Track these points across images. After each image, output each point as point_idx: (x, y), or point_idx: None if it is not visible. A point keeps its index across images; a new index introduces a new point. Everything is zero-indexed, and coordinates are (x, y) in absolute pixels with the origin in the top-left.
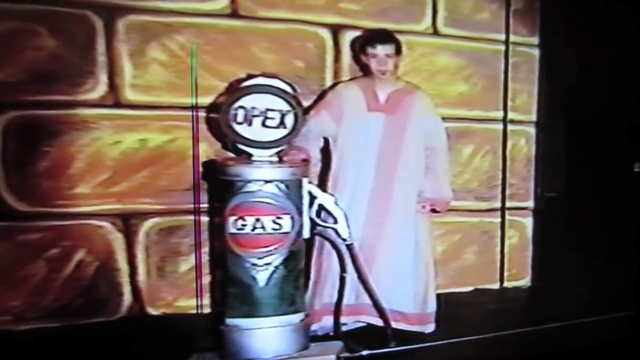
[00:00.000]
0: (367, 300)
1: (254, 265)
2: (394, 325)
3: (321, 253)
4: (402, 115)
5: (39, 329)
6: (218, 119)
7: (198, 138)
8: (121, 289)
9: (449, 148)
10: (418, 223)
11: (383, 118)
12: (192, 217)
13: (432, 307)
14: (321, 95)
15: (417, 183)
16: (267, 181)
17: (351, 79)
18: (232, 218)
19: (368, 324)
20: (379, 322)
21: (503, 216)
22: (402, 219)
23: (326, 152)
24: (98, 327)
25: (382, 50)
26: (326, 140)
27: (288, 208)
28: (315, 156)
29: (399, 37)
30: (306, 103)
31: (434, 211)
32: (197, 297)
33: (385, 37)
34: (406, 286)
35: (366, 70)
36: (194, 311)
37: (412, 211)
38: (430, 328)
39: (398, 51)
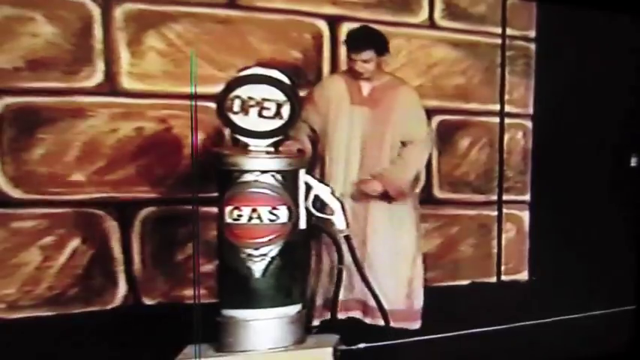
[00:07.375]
0: (359, 295)
1: (250, 255)
2: (380, 321)
3: (318, 244)
4: (384, 109)
5: (33, 318)
6: (214, 109)
7: (197, 127)
8: (116, 278)
9: (446, 142)
10: (402, 219)
11: (366, 112)
12: (188, 207)
13: (418, 303)
14: (310, 88)
15: None
16: (263, 172)
17: (336, 72)
18: (228, 208)
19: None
20: (369, 320)
21: (500, 209)
22: (384, 214)
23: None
24: (93, 316)
25: (359, 57)
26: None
27: (284, 199)
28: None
29: (392, 29)
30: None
31: (386, 196)
32: (194, 287)
33: (361, 44)
34: (389, 281)
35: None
36: (190, 301)
37: (394, 208)
38: (416, 325)
39: (380, 53)
